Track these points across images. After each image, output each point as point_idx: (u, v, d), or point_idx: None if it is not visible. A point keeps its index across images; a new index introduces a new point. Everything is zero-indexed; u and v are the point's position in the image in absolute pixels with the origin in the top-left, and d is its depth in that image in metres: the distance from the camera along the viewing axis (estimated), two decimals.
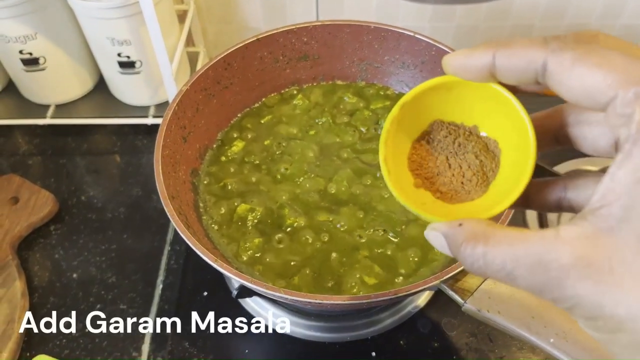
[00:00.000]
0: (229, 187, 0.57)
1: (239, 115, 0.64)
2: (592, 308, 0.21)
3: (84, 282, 0.62)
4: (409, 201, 0.27)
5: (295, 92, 0.66)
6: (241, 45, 0.60)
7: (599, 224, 0.21)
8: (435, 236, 0.25)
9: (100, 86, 0.80)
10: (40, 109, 0.78)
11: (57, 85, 0.76)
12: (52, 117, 0.77)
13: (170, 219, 0.46)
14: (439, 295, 0.59)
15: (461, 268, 0.42)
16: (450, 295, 0.44)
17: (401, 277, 0.50)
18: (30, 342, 0.58)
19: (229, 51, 0.59)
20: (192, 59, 0.83)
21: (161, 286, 0.62)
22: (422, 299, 0.58)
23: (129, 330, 0.58)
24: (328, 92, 0.66)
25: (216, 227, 0.54)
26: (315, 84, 0.67)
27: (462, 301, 0.43)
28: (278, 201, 0.55)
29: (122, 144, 0.77)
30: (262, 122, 0.63)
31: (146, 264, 0.64)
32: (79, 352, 0.57)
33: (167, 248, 0.65)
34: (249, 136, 0.62)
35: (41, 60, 0.72)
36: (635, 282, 0.20)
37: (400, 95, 0.66)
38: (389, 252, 0.52)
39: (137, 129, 0.78)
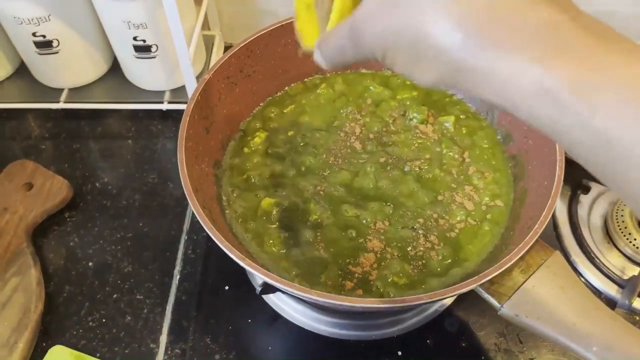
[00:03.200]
0: (253, 180, 0.55)
1: (261, 104, 0.62)
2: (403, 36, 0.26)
3: (99, 271, 0.61)
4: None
5: (318, 81, 0.64)
6: (265, 31, 0.58)
7: None
8: (315, 54, 0.33)
9: (115, 70, 0.78)
10: (53, 93, 0.76)
11: (71, 68, 0.74)
12: (66, 101, 0.75)
13: (195, 213, 0.44)
14: (467, 294, 0.57)
15: (499, 271, 0.41)
16: (485, 298, 0.43)
17: (432, 277, 0.48)
18: (47, 332, 0.57)
19: (252, 38, 0.57)
20: (208, 43, 0.80)
21: (178, 276, 0.61)
22: (450, 298, 0.57)
23: (146, 321, 0.57)
24: (353, 81, 0.64)
25: (240, 222, 0.52)
26: (339, 73, 0.65)
27: (499, 305, 0.42)
28: (303, 195, 0.54)
29: (137, 129, 0.76)
30: (285, 111, 0.61)
31: (163, 253, 0.63)
32: (95, 342, 0.56)
33: (184, 237, 0.64)
34: (272, 126, 0.60)
35: (55, 43, 0.70)
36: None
37: None
38: (419, 251, 0.50)
39: (151, 114, 0.76)
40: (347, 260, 0.50)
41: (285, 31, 0.59)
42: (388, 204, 0.53)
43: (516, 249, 0.42)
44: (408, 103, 0.61)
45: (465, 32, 0.24)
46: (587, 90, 0.23)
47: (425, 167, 0.56)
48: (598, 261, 0.58)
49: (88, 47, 0.73)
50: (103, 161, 0.73)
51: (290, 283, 0.41)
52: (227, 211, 0.53)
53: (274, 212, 0.52)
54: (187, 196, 0.45)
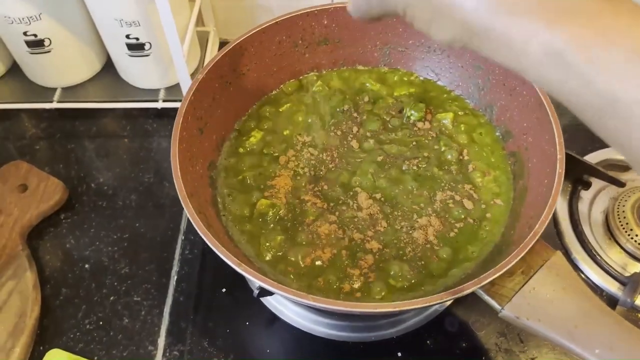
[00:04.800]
0: (248, 181, 0.54)
1: (256, 103, 0.61)
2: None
3: (96, 273, 0.61)
4: None
5: (314, 78, 0.63)
6: (259, 29, 0.57)
7: None
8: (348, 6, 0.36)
9: (108, 68, 0.77)
10: (46, 92, 0.75)
11: (63, 67, 0.73)
12: (59, 100, 0.74)
13: (191, 219, 0.44)
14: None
15: (499, 273, 0.40)
16: (486, 300, 0.42)
17: (431, 278, 0.48)
18: (44, 335, 0.56)
19: (246, 36, 0.56)
20: (202, 39, 0.79)
21: (176, 277, 0.60)
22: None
23: (144, 323, 0.57)
24: (349, 78, 0.63)
25: (236, 224, 0.51)
26: (335, 70, 0.64)
27: (500, 307, 0.41)
28: (299, 196, 0.53)
29: (132, 128, 0.75)
30: (281, 110, 0.60)
31: (160, 254, 0.62)
32: (93, 345, 0.56)
33: (181, 237, 0.63)
34: (267, 126, 0.59)
35: (46, 42, 0.69)
36: None
37: (426, 81, 0.63)
38: (418, 252, 0.49)
39: (146, 112, 0.76)
40: (346, 262, 0.49)
41: (280, 28, 0.58)
42: (386, 203, 0.52)
43: (516, 250, 0.41)
44: (405, 100, 0.60)
45: None
46: (591, 51, 0.24)
47: (424, 166, 0.55)
48: (599, 258, 0.58)
49: (80, 45, 0.72)
50: (98, 161, 0.72)
51: (287, 288, 0.40)
52: (223, 214, 0.52)
53: (271, 213, 0.52)
54: (182, 202, 0.45)
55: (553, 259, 0.43)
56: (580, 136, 0.66)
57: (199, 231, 0.43)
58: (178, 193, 0.45)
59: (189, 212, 0.44)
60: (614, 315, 0.40)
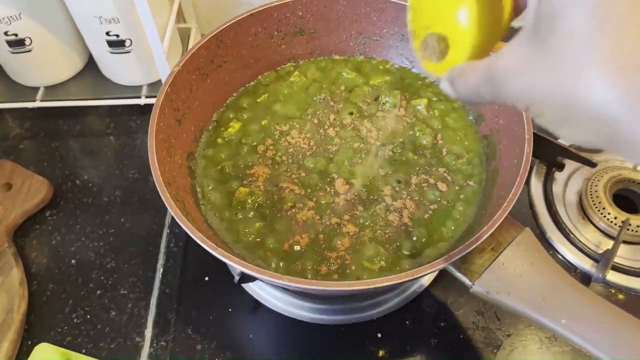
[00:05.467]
0: (227, 170, 0.55)
1: (234, 94, 0.62)
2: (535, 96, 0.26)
3: (83, 268, 0.62)
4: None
5: (291, 68, 0.64)
6: (234, 21, 0.58)
7: (521, 38, 0.27)
8: (443, 84, 0.32)
9: (90, 66, 0.78)
10: (29, 92, 0.76)
11: (45, 66, 0.74)
12: (42, 99, 0.75)
13: (167, 206, 0.44)
14: (444, 274, 0.58)
15: (468, 250, 0.41)
16: (458, 277, 0.43)
17: (407, 259, 0.49)
18: (31, 330, 0.57)
19: (221, 28, 0.57)
20: (184, 36, 0.80)
21: (162, 270, 0.61)
22: (427, 279, 0.58)
23: (131, 316, 0.58)
24: (325, 67, 0.64)
25: (215, 212, 0.52)
26: (312, 60, 0.65)
27: (470, 283, 0.42)
28: (277, 183, 0.54)
29: (116, 125, 0.76)
30: (259, 101, 0.61)
31: (146, 248, 0.63)
32: (80, 339, 0.57)
33: (166, 231, 0.64)
34: (245, 116, 0.60)
35: (27, 42, 0.70)
36: (555, 64, 0.25)
37: (401, 69, 0.64)
38: (393, 233, 0.50)
39: (130, 109, 0.76)
40: (323, 245, 0.50)
41: (255, 20, 0.59)
42: (362, 188, 0.53)
43: (485, 227, 0.42)
44: (381, 88, 0.61)
45: (625, 99, 0.23)
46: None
47: (399, 151, 0.56)
48: (573, 237, 0.59)
49: (61, 44, 0.73)
50: (83, 159, 0.73)
51: (262, 270, 0.41)
52: (202, 203, 0.53)
53: (249, 201, 0.53)
54: (158, 190, 0.46)
55: (522, 235, 0.44)
56: None
57: (175, 217, 0.43)
58: (155, 180, 0.46)
59: (165, 199, 0.44)
60: (580, 287, 0.41)
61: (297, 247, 0.50)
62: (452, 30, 0.32)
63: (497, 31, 0.31)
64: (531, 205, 0.62)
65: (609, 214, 0.59)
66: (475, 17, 0.30)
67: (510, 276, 0.42)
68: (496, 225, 0.42)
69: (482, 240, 0.42)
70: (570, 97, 0.24)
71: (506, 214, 0.43)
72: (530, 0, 0.26)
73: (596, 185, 0.60)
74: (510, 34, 0.30)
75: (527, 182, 0.64)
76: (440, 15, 0.33)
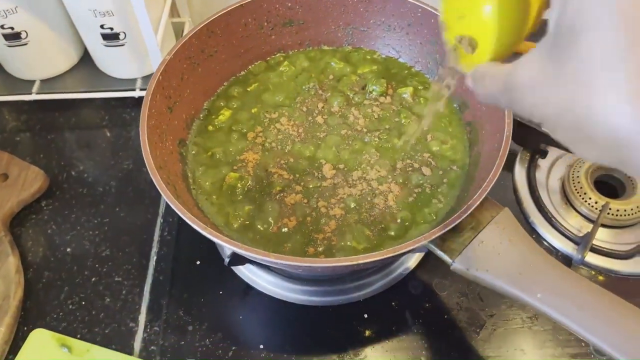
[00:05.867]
0: (217, 156, 0.57)
1: (225, 84, 0.63)
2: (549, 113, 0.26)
3: (78, 256, 0.63)
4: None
5: (281, 59, 0.65)
6: (224, 12, 0.59)
7: (541, 49, 0.26)
8: (468, 81, 0.32)
9: (85, 60, 0.79)
10: (25, 85, 0.77)
11: (41, 59, 0.75)
12: (38, 92, 0.76)
13: (158, 188, 0.46)
14: (429, 257, 0.59)
15: (448, 228, 0.43)
16: (439, 255, 0.45)
17: (390, 240, 0.50)
18: (27, 316, 0.58)
19: (212, 18, 0.59)
20: (178, 30, 0.81)
21: (155, 257, 0.62)
22: (413, 261, 0.59)
23: (125, 302, 0.59)
24: (314, 58, 0.65)
25: (206, 197, 0.54)
26: (301, 50, 0.66)
27: (451, 260, 0.44)
28: (267, 169, 0.55)
29: (111, 118, 0.77)
30: (249, 90, 0.63)
31: (140, 236, 0.64)
32: (76, 324, 0.58)
33: (159, 220, 0.65)
34: (236, 105, 0.61)
35: (23, 35, 0.71)
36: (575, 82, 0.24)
37: (388, 58, 0.66)
38: (378, 216, 0.52)
39: (124, 102, 0.77)
40: (310, 228, 0.51)
41: (245, 11, 0.60)
42: (349, 173, 0.55)
43: (465, 207, 0.44)
44: (368, 77, 0.63)
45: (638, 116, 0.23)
46: None
47: (385, 137, 0.58)
48: (555, 221, 0.60)
49: (57, 37, 0.74)
50: (78, 150, 0.74)
51: (251, 248, 0.42)
52: (193, 187, 0.55)
53: (239, 185, 0.54)
54: (149, 172, 0.47)
55: (501, 214, 0.45)
56: None
57: (166, 199, 0.45)
58: (146, 164, 0.47)
59: (156, 182, 0.46)
60: (555, 263, 0.42)
61: (285, 230, 0.51)
62: (477, 24, 0.32)
63: (523, 28, 0.31)
64: (515, 191, 0.64)
65: (590, 198, 0.60)
66: (497, 13, 0.30)
67: (489, 253, 0.43)
68: (475, 205, 0.44)
69: (461, 219, 0.43)
70: (583, 114, 0.24)
71: (485, 193, 0.44)
72: (553, 7, 0.26)
73: (578, 172, 0.62)
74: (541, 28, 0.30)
75: (511, 170, 0.66)
76: (469, 9, 0.33)
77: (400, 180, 0.54)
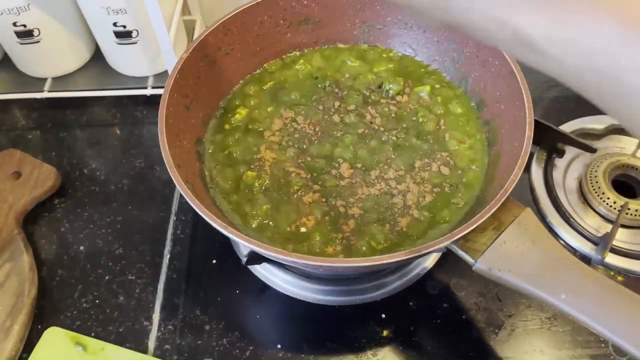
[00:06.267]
0: (234, 155, 0.56)
1: (240, 82, 0.63)
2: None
3: (91, 255, 0.63)
4: None
5: (297, 57, 0.65)
6: (240, 10, 0.59)
7: None
8: None
9: (97, 57, 0.79)
10: (37, 82, 0.77)
11: (53, 57, 0.75)
12: (50, 90, 0.76)
13: (178, 187, 0.46)
14: (446, 257, 0.59)
15: (471, 228, 0.42)
16: (460, 255, 0.44)
17: (410, 240, 0.50)
18: (41, 314, 0.58)
19: (229, 16, 0.58)
20: (189, 28, 0.81)
21: (169, 256, 0.62)
22: (430, 261, 0.59)
23: (139, 300, 0.59)
24: (330, 56, 0.65)
25: (223, 196, 0.54)
26: (316, 48, 0.66)
27: (473, 261, 0.43)
28: (284, 168, 0.55)
29: (122, 116, 0.77)
30: (265, 88, 0.62)
31: (153, 235, 0.64)
32: (90, 323, 0.58)
33: (172, 218, 0.65)
34: (252, 103, 0.61)
35: (35, 32, 0.71)
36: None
37: (404, 57, 0.65)
38: (397, 216, 0.52)
39: (136, 100, 0.77)
40: (329, 227, 0.51)
41: (261, 9, 0.60)
42: (367, 172, 0.55)
43: (487, 207, 0.43)
44: (385, 75, 0.62)
45: None
46: (557, 33, 0.25)
47: (403, 136, 0.57)
48: (573, 221, 0.60)
49: (69, 35, 0.74)
50: (90, 148, 0.74)
51: (270, 247, 0.42)
52: (211, 186, 0.54)
53: (257, 184, 0.54)
54: (169, 171, 0.47)
55: (523, 214, 0.45)
56: (555, 108, 0.69)
57: (184, 195, 0.45)
58: (165, 163, 0.47)
59: (176, 181, 0.45)
60: (579, 264, 0.42)
61: (303, 229, 0.51)
62: None
63: None
64: (532, 190, 0.63)
65: (608, 198, 0.60)
66: None
67: (512, 254, 0.43)
68: (498, 205, 0.43)
69: (484, 219, 0.43)
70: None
71: (508, 193, 0.44)
72: None
73: (596, 171, 0.62)
74: None
75: (528, 169, 0.65)
76: None
77: (419, 180, 0.54)
